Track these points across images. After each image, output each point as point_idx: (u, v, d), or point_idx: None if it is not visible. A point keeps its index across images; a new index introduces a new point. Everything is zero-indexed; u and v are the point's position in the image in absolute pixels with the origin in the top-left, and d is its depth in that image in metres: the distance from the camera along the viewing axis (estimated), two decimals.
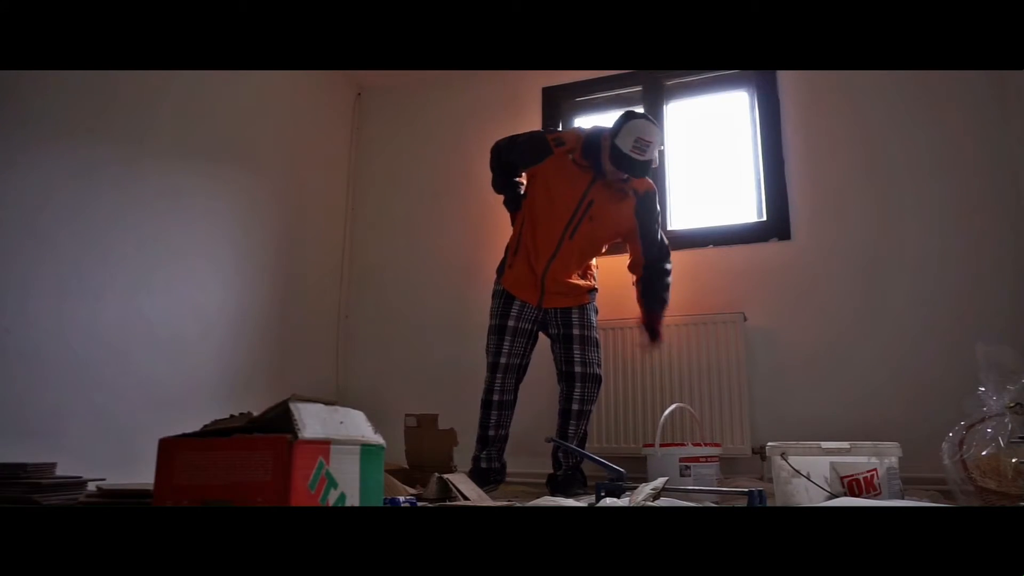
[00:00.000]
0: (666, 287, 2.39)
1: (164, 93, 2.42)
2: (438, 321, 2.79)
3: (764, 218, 2.75)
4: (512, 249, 2.42)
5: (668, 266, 2.41)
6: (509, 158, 2.44)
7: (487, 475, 2.30)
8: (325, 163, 3.39)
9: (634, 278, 2.45)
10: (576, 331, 2.32)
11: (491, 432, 2.35)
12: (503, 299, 2.37)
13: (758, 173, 2.82)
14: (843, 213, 2.61)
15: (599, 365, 2.35)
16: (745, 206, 2.85)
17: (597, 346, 2.37)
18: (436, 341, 3.05)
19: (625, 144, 2.15)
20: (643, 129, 2.16)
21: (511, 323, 2.34)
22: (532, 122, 3.12)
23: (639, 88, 3.10)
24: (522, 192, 2.47)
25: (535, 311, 2.35)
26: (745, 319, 2.59)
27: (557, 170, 2.34)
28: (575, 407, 2.30)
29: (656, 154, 2.23)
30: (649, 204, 2.37)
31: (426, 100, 3.48)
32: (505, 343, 2.33)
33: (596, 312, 2.42)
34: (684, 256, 2.80)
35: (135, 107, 2.31)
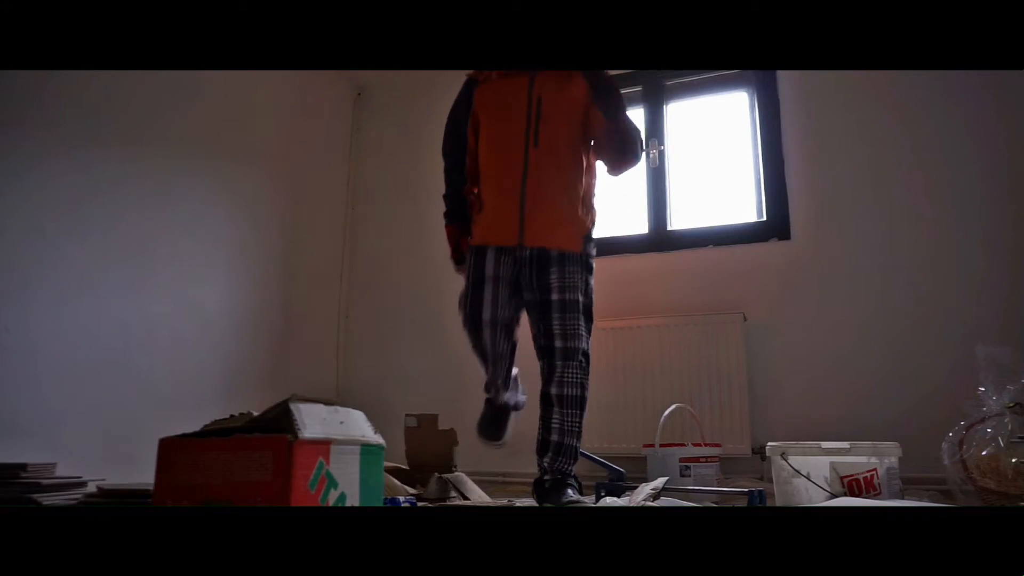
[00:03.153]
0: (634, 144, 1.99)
1: (163, 93, 2.42)
2: (438, 321, 2.79)
3: (764, 218, 2.75)
4: (477, 209, 2.08)
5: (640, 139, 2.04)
6: (455, 117, 2.24)
7: (504, 411, 2.03)
8: (325, 163, 3.39)
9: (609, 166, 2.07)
10: (555, 296, 1.89)
11: (502, 380, 2.00)
12: (475, 255, 1.98)
13: (758, 173, 2.82)
14: (843, 213, 2.60)
15: (584, 339, 1.91)
16: (745, 206, 2.85)
17: (584, 312, 1.92)
18: (437, 341, 3.05)
19: None
20: None
21: (489, 272, 1.93)
22: None
23: (639, 88, 3.10)
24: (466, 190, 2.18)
25: (512, 262, 1.93)
26: (745, 319, 2.59)
27: (493, 94, 2.07)
28: (554, 391, 1.88)
29: None
30: (596, 81, 1.97)
31: (426, 100, 3.46)
32: (487, 293, 1.91)
33: (590, 270, 1.98)
34: (684, 256, 2.80)
35: (134, 107, 2.31)
